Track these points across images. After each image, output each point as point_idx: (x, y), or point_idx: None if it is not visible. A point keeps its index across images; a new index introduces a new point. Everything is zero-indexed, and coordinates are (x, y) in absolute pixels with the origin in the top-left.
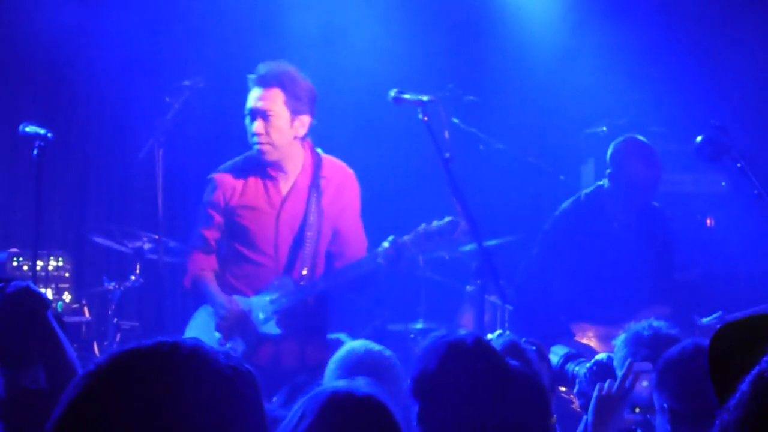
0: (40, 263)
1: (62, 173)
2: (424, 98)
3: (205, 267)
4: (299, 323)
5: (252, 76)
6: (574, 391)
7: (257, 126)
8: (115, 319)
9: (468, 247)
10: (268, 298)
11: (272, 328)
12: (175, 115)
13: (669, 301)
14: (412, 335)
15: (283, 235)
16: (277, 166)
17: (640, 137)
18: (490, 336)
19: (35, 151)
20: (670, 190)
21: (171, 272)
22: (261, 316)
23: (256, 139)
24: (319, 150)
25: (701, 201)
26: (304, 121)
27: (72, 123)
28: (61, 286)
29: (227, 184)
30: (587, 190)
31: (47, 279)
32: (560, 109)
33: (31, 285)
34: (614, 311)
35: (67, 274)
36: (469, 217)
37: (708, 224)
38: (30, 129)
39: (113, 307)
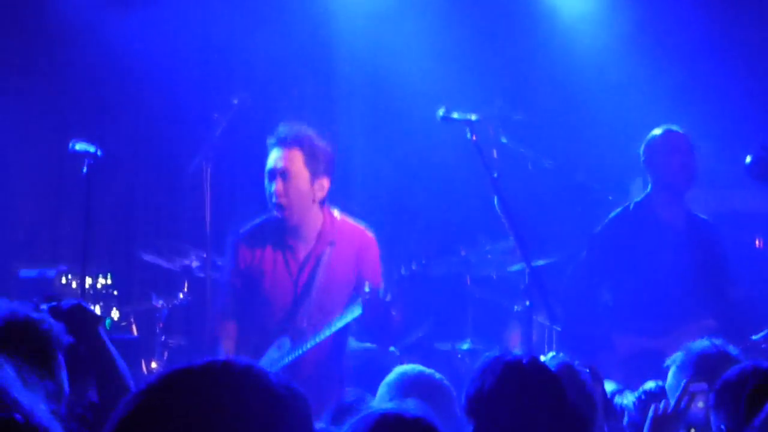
0: (88, 280)
1: (111, 190)
2: (473, 117)
3: (224, 335)
4: (304, 382)
5: (272, 139)
6: (624, 422)
7: (277, 186)
8: (163, 337)
9: (516, 267)
10: (269, 358)
11: None
12: (223, 131)
13: (716, 315)
14: (459, 355)
15: (298, 299)
16: (296, 232)
17: (674, 127)
18: (543, 358)
19: (84, 169)
20: (719, 209)
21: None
22: None
23: (275, 199)
24: (336, 212)
25: (750, 220)
26: (324, 184)
27: (121, 139)
28: (109, 303)
29: (246, 251)
30: (637, 199)
31: (95, 296)
32: (609, 128)
33: (83, 302)
34: (660, 322)
35: (115, 292)
36: (518, 236)
37: (756, 245)
38: (80, 146)
39: (161, 324)
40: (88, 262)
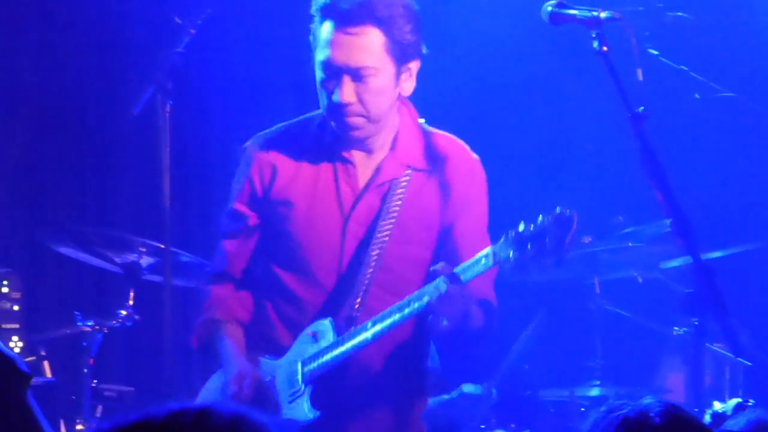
0: None
1: (6, 146)
2: (602, 15)
3: (224, 310)
4: (357, 398)
5: (324, 6)
6: None
7: (346, 91)
8: (95, 381)
9: (675, 263)
10: (299, 357)
11: (301, 411)
12: (191, 46)
13: None
14: (582, 408)
15: (350, 253)
16: (361, 143)
17: None
18: (719, 407)
19: None
20: None
21: (184, 303)
22: (288, 391)
23: (344, 117)
24: (421, 121)
25: None
26: (412, 69)
27: (21, 67)
28: (6, 326)
29: (269, 160)
30: None
31: None
32: None
33: (6, 350)
34: None
35: (15, 307)
36: (677, 212)
37: None
38: None
39: (91, 361)
40: None
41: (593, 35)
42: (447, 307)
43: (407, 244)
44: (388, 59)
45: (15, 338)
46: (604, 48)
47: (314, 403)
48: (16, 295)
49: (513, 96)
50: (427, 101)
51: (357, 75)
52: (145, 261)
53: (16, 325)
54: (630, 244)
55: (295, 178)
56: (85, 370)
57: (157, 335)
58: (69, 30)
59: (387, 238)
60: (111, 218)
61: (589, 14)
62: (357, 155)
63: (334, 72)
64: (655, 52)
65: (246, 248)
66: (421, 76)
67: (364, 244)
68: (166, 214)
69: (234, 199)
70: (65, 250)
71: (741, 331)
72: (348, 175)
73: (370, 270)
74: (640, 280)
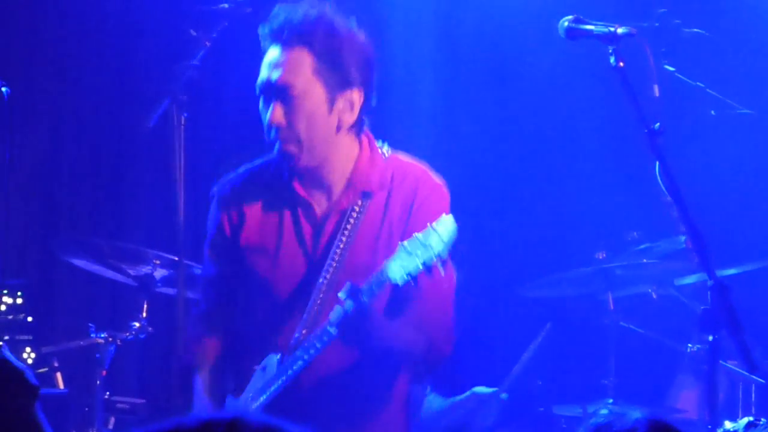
0: None
1: (19, 156)
2: (619, 30)
3: (199, 355)
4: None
5: (264, 28)
6: None
7: (276, 112)
8: (107, 393)
9: (690, 280)
10: (250, 394)
11: None
12: (206, 58)
13: None
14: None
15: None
16: (312, 177)
17: None
18: (730, 426)
19: None
20: None
21: None
22: None
23: (273, 134)
24: (384, 146)
25: None
26: (353, 100)
27: (35, 78)
28: (19, 337)
29: (237, 207)
30: None
31: None
32: None
33: (6, 352)
34: None
35: (29, 319)
36: (692, 229)
37: None
38: None
39: (104, 373)
40: None
41: (610, 51)
42: (356, 329)
43: (359, 269)
44: (317, 82)
45: (28, 349)
46: (621, 63)
47: None
48: (30, 306)
49: (528, 110)
50: (442, 113)
51: (284, 95)
52: (159, 273)
53: (29, 337)
54: (645, 260)
55: (262, 223)
56: (98, 382)
57: (170, 347)
58: (84, 42)
59: (336, 264)
60: (125, 230)
61: (605, 30)
62: (315, 193)
63: (265, 93)
64: (672, 69)
65: (220, 292)
66: (436, 88)
67: (321, 274)
68: (179, 226)
69: (207, 245)
70: (79, 262)
71: (755, 348)
72: (308, 214)
73: (319, 298)
74: (655, 297)
